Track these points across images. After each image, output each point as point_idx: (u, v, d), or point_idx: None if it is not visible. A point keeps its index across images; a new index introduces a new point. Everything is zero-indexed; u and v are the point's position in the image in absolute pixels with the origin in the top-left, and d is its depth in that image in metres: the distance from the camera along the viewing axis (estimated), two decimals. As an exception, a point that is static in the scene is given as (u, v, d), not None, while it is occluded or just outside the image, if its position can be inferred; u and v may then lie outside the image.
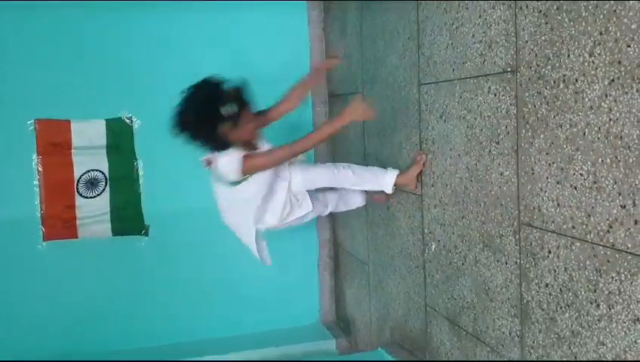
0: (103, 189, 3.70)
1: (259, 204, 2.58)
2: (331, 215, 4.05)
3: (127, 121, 3.70)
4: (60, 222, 3.65)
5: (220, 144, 2.36)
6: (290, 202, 2.64)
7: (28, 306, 3.64)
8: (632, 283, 1.49)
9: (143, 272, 3.79)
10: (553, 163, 1.76)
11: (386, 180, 2.66)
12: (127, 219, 3.74)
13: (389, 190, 2.68)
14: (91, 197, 3.68)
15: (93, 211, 3.69)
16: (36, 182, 3.62)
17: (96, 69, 3.61)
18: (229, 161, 2.39)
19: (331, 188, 2.92)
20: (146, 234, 3.77)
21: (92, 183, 3.69)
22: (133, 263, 3.77)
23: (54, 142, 3.62)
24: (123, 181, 3.71)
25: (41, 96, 3.56)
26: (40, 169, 3.62)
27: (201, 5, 3.68)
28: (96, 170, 3.69)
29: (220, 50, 3.77)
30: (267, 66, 3.80)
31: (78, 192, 3.66)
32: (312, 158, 3.92)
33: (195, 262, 3.83)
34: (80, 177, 3.66)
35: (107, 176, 3.70)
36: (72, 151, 3.63)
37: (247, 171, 2.42)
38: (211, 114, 2.26)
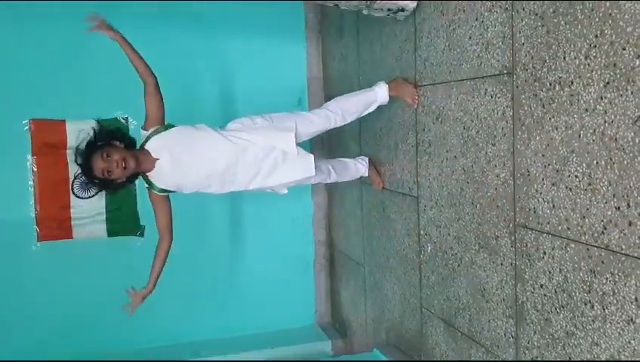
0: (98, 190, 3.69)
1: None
2: (327, 216, 4.05)
3: (123, 121, 3.69)
4: (54, 223, 3.63)
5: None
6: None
7: (23, 307, 3.61)
8: (625, 284, 1.50)
9: (138, 273, 3.77)
10: (549, 165, 1.77)
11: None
12: (123, 219, 3.72)
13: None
14: (86, 198, 3.66)
15: (89, 212, 3.67)
16: (31, 183, 3.60)
17: (92, 69, 3.60)
18: None
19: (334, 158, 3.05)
20: (142, 235, 3.75)
21: (87, 184, 3.65)
22: (128, 264, 3.75)
23: (49, 142, 3.61)
24: (118, 181, 3.70)
25: (35, 96, 3.54)
26: (35, 169, 3.60)
27: (196, 6, 3.68)
28: (92, 171, 3.67)
29: (215, 51, 3.76)
30: (263, 69, 3.80)
31: (73, 193, 3.64)
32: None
33: (191, 263, 3.81)
34: (75, 178, 3.64)
35: (102, 177, 3.68)
36: (67, 151, 3.61)
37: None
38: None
